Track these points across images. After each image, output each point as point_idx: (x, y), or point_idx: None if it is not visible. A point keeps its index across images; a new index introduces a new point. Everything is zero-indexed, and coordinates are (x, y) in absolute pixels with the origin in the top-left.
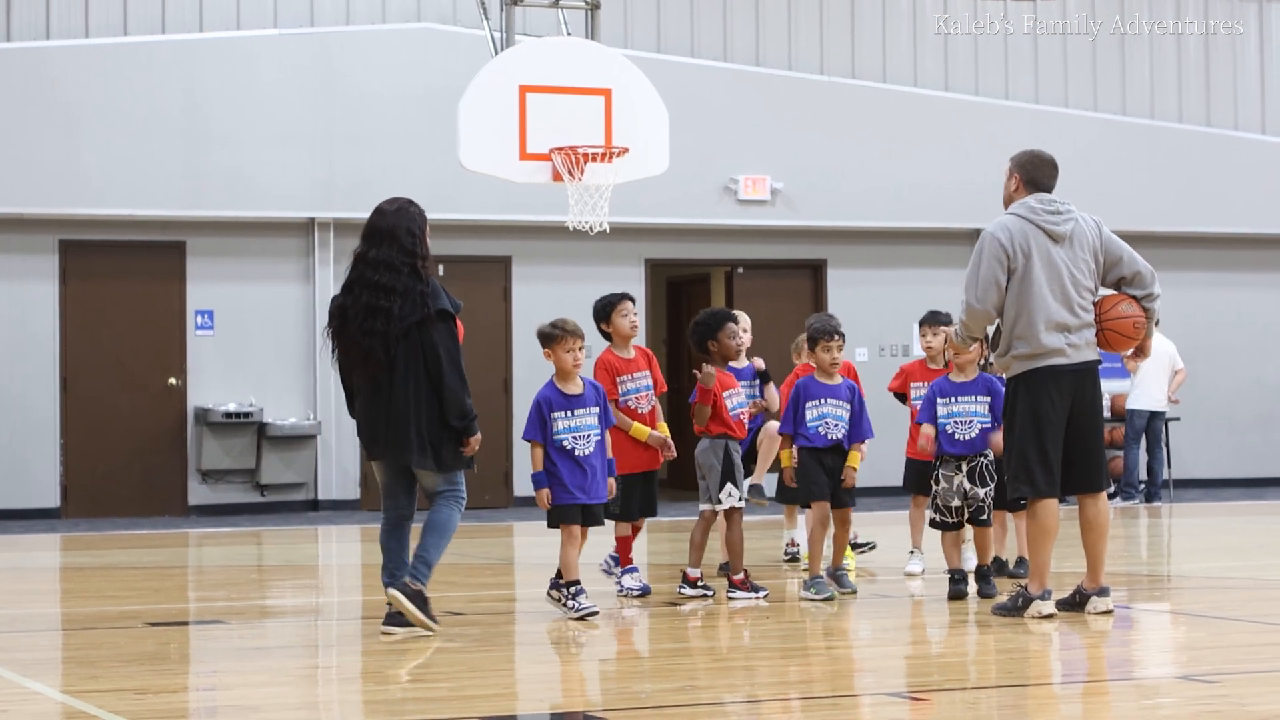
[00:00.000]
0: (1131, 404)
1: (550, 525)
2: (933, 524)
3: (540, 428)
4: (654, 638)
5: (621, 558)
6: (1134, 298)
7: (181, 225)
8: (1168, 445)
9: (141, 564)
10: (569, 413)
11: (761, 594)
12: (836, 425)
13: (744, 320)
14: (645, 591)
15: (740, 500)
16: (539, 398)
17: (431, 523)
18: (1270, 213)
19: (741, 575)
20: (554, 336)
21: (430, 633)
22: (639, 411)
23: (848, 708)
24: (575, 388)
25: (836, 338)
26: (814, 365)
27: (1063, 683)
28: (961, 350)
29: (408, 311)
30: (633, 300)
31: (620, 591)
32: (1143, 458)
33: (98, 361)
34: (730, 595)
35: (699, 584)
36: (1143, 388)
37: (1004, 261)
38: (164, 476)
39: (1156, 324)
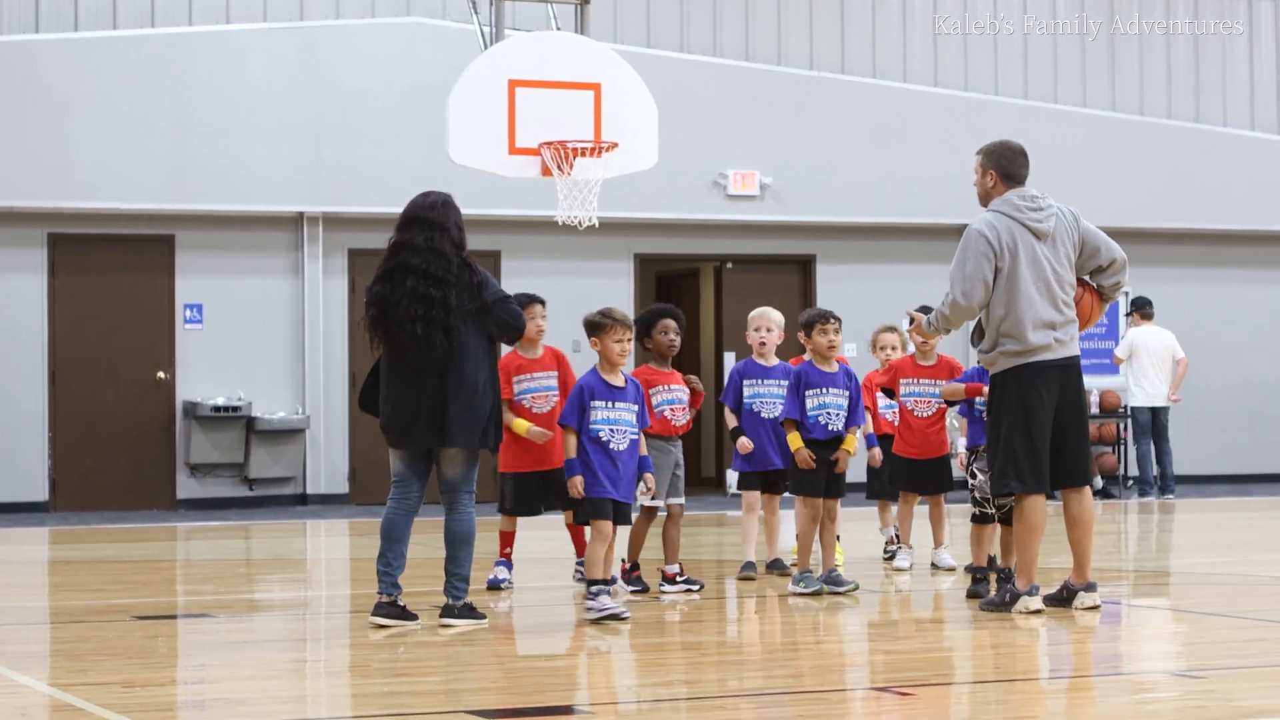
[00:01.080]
0: (1132, 401)
1: (579, 520)
2: (975, 518)
3: (578, 414)
4: (643, 633)
5: (502, 550)
6: (1090, 285)
7: (170, 219)
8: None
9: (130, 558)
10: (610, 404)
11: (696, 587)
12: (837, 415)
13: (771, 318)
14: (496, 585)
15: (651, 500)
16: (581, 383)
17: (457, 535)
18: (1259, 209)
19: (676, 569)
20: (603, 325)
21: (485, 625)
22: (533, 410)
23: (835, 702)
24: (618, 380)
25: (833, 320)
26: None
27: (1050, 678)
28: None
29: (464, 300)
30: (543, 303)
31: (493, 583)
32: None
33: (86, 355)
34: (661, 589)
35: (632, 578)
36: (1142, 384)
37: (991, 259)
38: (152, 470)
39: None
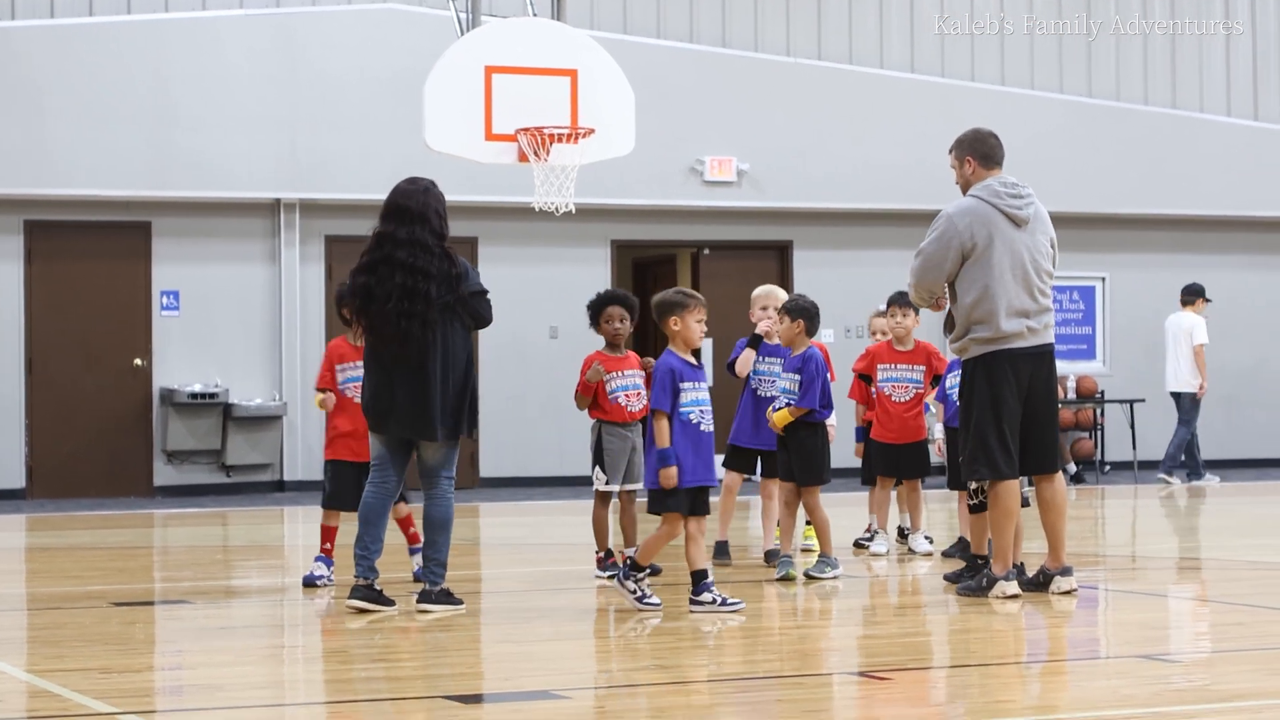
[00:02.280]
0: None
1: (657, 510)
2: (974, 508)
3: (671, 397)
4: (619, 619)
5: (322, 545)
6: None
7: (147, 206)
8: (1132, 427)
9: (107, 544)
10: (696, 384)
11: (646, 571)
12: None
13: (777, 297)
14: (312, 582)
15: (605, 484)
16: (668, 366)
17: (435, 520)
18: (1235, 195)
19: (633, 552)
20: (685, 305)
21: (463, 610)
22: (355, 401)
23: (812, 687)
24: (694, 360)
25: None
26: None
27: (1026, 662)
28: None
29: (442, 292)
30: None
31: (309, 580)
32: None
33: (63, 342)
34: (596, 574)
35: (605, 564)
36: (1166, 368)
37: (956, 246)
38: (129, 457)
39: None
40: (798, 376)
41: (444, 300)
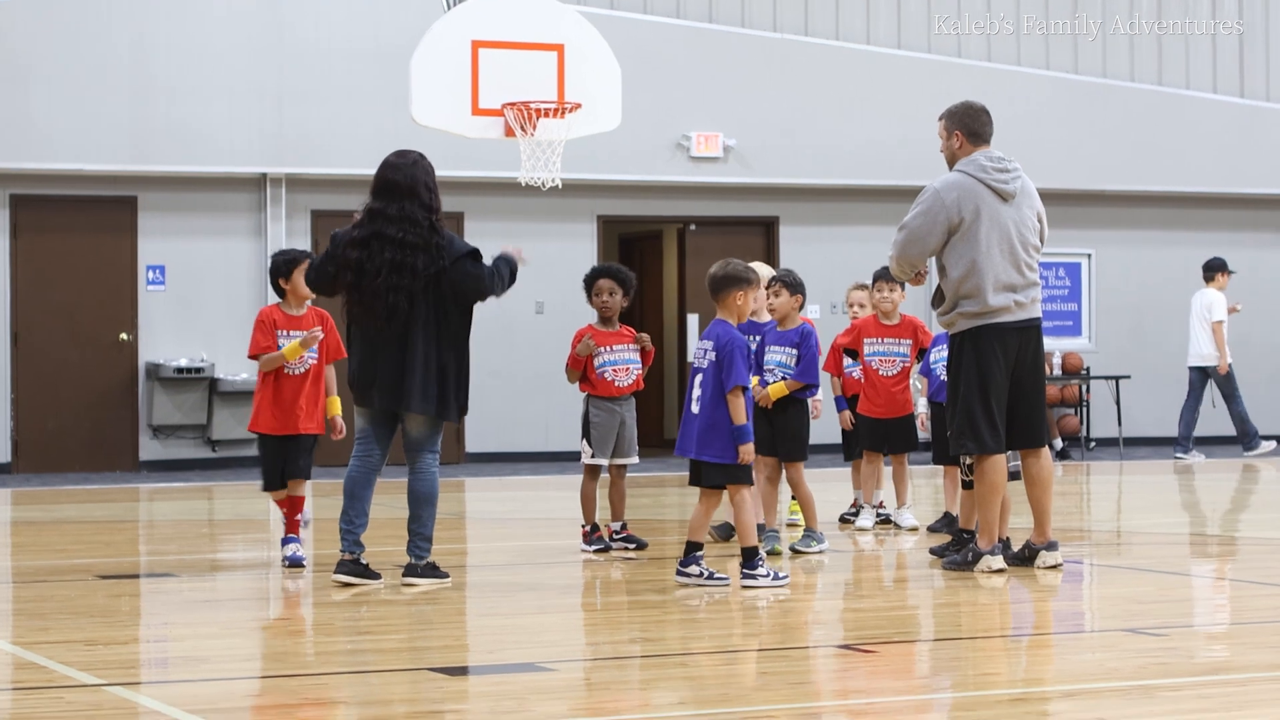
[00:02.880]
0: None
1: (717, 483)
2: (967, 484)
3: (748, 372)
4: (606, 591)
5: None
6: None
7: (132, 180)
8: (1118, 403)
9: (92, 518)
10: (753, 359)
11: (633, 545)
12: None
13: (763, 272)
14: (298, 562)
15: (592, 458)
16: (739, 341)
17: (420, 495)
18: (1221, 171)
19: (618, 527)
20: (751, 281)
21: (449, 584)
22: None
23: (797, 660)
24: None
25: (607, 280)
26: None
27: (1012, 636)
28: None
29: (427, 264)
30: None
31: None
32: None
33: (49, 317)
34: (583, 548)
35: (592, 539)
36: (1192, 347)
37: (943, 221)
38: (115, 432)
39: None
40: (795, 351)
41: (428, 273)
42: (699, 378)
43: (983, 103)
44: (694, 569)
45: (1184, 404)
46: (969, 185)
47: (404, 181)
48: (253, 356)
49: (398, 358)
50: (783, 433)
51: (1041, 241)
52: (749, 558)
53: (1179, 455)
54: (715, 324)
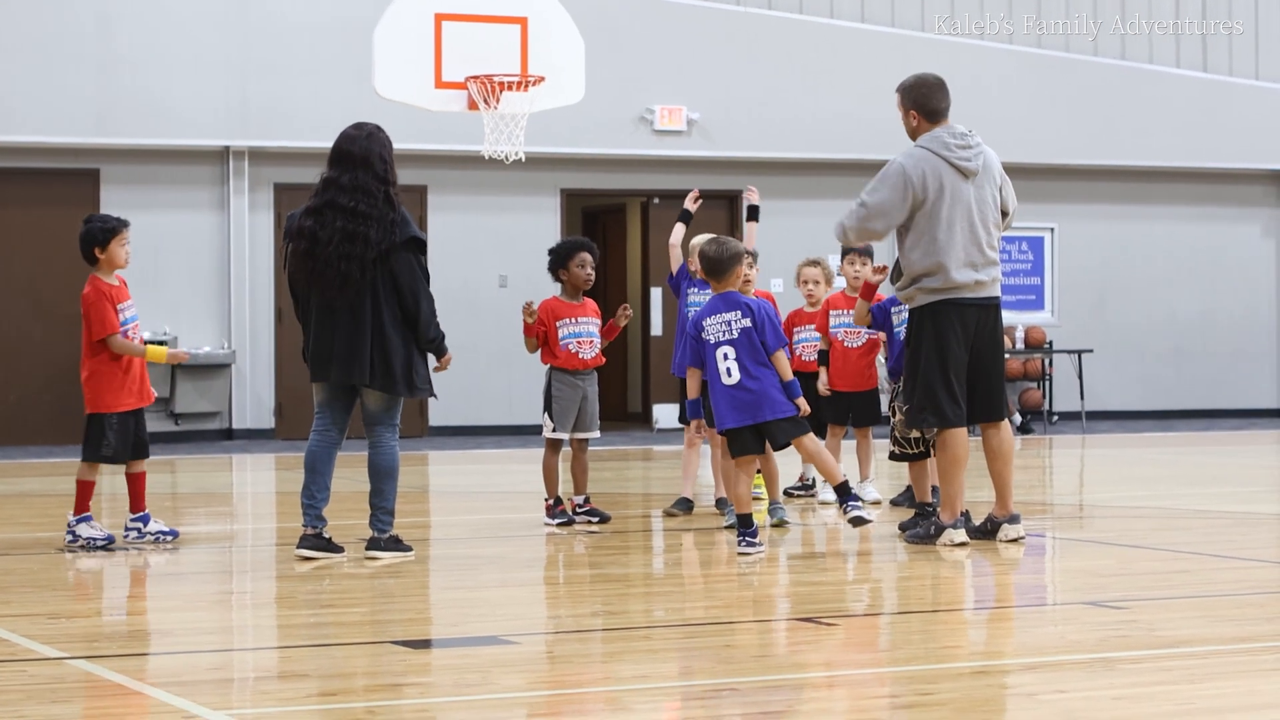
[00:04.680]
0: None
1: (783, 444)
2: (899, 456)
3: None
4: (569, 565)
5: (82, 504)
6: None
7: (95, 153)
8: (1080, 377)
9: (56, 491)
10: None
11: (596, 519)
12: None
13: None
14: (109, 541)
15: (553, 431)
16: (769, 308)
17: (380, 468)
18: (1183, 146)
19: (580, 500)
20: (744, 251)
21: (412, 557)
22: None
23: (760, 633)
24: None
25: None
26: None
27: (974, 609)
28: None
29: (381, 237)
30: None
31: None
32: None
33: (10, 290)
34: (545, 521)
35: (555, 512)
36: None
37: (907, 198)
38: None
39: None
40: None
41: (382, 245)
42: (726, 349)
43: (938, 74)
44: (759, 540)
45: None
46: (933, 162)
47: (358, 152)
48: (102, 339)
49: (352, 331)
50: None
51: (1011, 208)
52: (845, 493)
53: None
54: (731, 294)
